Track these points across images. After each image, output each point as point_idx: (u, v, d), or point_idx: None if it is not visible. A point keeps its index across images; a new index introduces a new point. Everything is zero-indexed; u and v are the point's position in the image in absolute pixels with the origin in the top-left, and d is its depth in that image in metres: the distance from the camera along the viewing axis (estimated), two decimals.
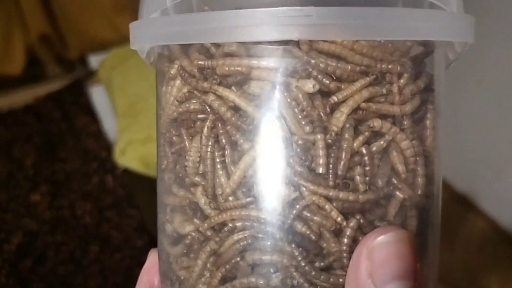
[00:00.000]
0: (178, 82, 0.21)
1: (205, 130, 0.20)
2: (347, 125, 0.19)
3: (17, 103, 1.13)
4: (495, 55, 1.12)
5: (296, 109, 0.19)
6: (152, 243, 0.92)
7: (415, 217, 0.20)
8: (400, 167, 0.19)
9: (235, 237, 0.19)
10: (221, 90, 0.19)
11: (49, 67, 1.47)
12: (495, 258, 1.21)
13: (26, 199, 0.87)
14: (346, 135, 0.19)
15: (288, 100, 0.19)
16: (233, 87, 0.19)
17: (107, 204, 0.88)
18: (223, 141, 0.19)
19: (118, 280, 0.87)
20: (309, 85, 0.18)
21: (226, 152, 0.20)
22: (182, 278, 0.21)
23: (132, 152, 0.84)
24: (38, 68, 1.45)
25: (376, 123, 0.19)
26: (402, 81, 0.19)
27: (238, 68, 0.19)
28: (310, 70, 0.19)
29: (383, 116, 0.19)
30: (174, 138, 0.21)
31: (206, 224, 0.20)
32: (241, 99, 0.19)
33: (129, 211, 0.88)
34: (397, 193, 0.19)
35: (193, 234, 0.21)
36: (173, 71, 0.21)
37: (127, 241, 0.86)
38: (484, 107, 1.24)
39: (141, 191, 0.96)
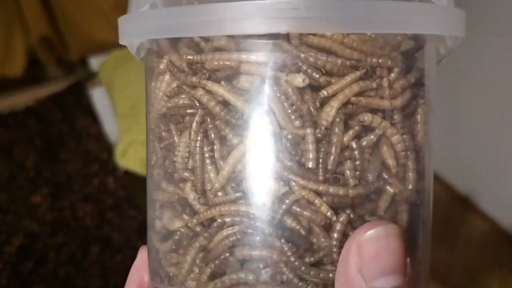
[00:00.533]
0: (167, 77, 0.21)
1: (194, 125, 0.20)
2: (337, 120, 0.19)
3: (17, 104, 1.13)
4: (496, 54, 1.12)
5: (285, 104, 0.19)
6: None
7: (406, 211, 0.20)
8: (391, 162, 0.19)
9: (224, 232, 0.19)
10: (210, 85, 0.19)
11: (49, 68, 1.47)
12: (496, 258, 1.21)
13: (27, 200, 0.88)
14: (336, 130, 0.19)
15: (278, 94, 0.19)
16: (222, 82, 0.19)
17: (108, 205, 0.88)
18: (212, 136, 0.19)
19: (119, 281, 0.87)
20: (299, 80, 0.18)
21: (215, 147, 0.20)
22: (171, 274, 0.21)
23: (133, 154, 0.84)
24: (39, 70, 1.45)
25: (367, 117, 0.19)
26: (392, 75, 0.19)
27: (227, 63, 0.19)
28: (300, 64, 0.18)
29: (373, 111, 0.19)
30: (163, 133, 0.21)
31: (195, 220, 0.20)
32: (230, 93, 0.19)
33: (130, 212, 0.88)
34: (388, 187, 0.19)
35: (182, 230, 0.20)
36: (162, 66, 0.21)
37: (128, 242, 0.86)
38: (484, 108, 1.24)
39: (142, 192, 0.97)
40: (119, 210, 0.88)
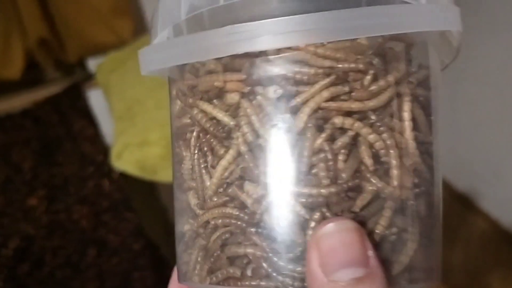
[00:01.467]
0: (178, 101, 0.24)
1: (192, 140, 0.23)
2: (309, 125, 0.20)
3: (15, 107, 1.13)
4: (495, 54, 1.11)
5: (261, 115, 0.20)
6: (149, 246, 0.92)
7: (391, 208, 0.20)
8: (368, 161, 0.20)
9: (217, 233, 0.21)
10: (201, 104, 0.22)
11: (48, 71, 1.47)
12: (496, 257, 1.21)
13: (23, 203, 0.88)
14: (308, 134, 0.20)
15: (254, 107, 0.20)
16: (214, 100, 0.22)
17: (104, 208, 0.88)
18: (205, 148, 0.22)
19: (116, 284, 0.87)
20: (271, 91, 0.20)
21: (207, 159, 0.22)
22: (184, 271, 0.23)
23: (128, 156, 0.83)
24: (37, 72, 1.45)
25: (337, 120, 0.20)
26: (368, 77, 0.20)
27: (215, 83, 0.21)
28: (273, 77, 0.20)
29: (349, 113, 0.20)
30: (176, 149, 0.24)
31: (196, 223, 0.23)
32: (216, 110, 0.21)
33: (125, 215, 0.88)
34: (366, 185, 0.20)
35: (189, 232, 0.23)
36: (174, 92, 0.24)
37: (124, 244, 0.86)
38: (484, 107, 1.24)
39: (137, 194, 0.96)
40: (115, 213, 0.87)
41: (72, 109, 1.05)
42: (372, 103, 0.20)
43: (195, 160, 0.22)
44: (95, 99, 1.18)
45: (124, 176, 0.88)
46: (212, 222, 0.21)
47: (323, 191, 0.19)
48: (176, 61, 0.22)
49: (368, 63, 0.20)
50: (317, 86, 0.20)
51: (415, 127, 0.21)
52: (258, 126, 0.20)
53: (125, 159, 0.84)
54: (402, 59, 0.21)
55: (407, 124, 0.21)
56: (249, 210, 0.20)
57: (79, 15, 1.35)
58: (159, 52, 0.22)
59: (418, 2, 0.20)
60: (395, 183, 0.20)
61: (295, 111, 0.20)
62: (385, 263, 0.19)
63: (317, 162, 0.20)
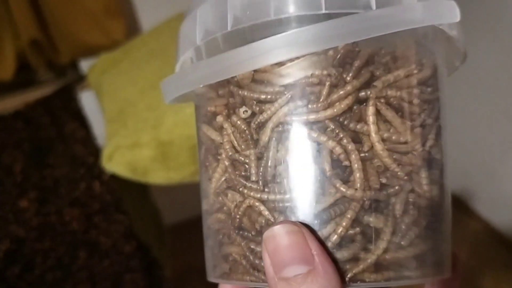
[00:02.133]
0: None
1: (200, 156, 0.27)
2: (273, 139, 0.22)
3: (6, 109, 1.12)
4: (489, 56, 1.12)
5: (235, 132, 0.24)
6: (140, 248, 0.92)
7: (354, 209, 0.21)
8: (326, 166, 0.22)
9: (216, 235, 0.25)
10: (202, 126, 0.26)
11: (40, 72, 1.47)
12: (488, 259, 1.21)
13: (14, 205, 0.87)
14: (271, 147, 0.22)
15: (231, 125, 0.24)
16: (213, 122, 0.25)
17: (95, 210, 0.88)
18: (206, 163, 0.26)
19: (107, 286, 0.87)
20: (241, 112, 0.23)
21: (208, 172, 0.25)
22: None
23: (119, 158, 0.83)
24: (29, 74, 1.45)
25: (294, 132, 0.22)
26: (324, 89, 0.22)
27: (208, 108, 0.25)
28: (244, 99, 0.23)
29: (309, 124, 0.22)
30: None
31: (205, 227, 0.27)
32: (210, 131, 0.25)
33: (116, 216, 0.87)
34: (328, 189, 0.22)
35: (204, 234, 0.27)
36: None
37: (115, 246, 0.85)
38: (477, 109, 1.24)
39: (129, 196, 0.96)
40: (106, 214, 0.87)
41: (64, 111, 1.05)
42: (328, 113, 0.21)
43: (202, 174, 0.26)
44: (87, 100, 1.17)
45: (115, 178, 0.87)
46: (212, 226, 0.25)
47: (286, 196, 0.22)
48: (179, 91, 0.25)
49: (326, 75, 0.22)
50: (276, 104, 0.22)
51: (388, 129, 0.22)
52: (235, 143, 0.23)
53: (116, 161, 0.83)
54: (367, 65, 0.22)
55: (372, 128, 0.21)
56: (232, 215, 0.24)
57: (71, 16, 1.34)
58: (171, 84, 0.25)
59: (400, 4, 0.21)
60: (357, 185, 0.21)
61: (261, 127, 0.23)
62: (347, 261, 0.21)
63: (281, 171, 0.22)
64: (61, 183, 0.89)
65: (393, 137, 0.22)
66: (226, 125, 0.24)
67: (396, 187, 0.22)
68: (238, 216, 0.23)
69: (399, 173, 0.22)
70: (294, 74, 0.22)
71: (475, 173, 1.35)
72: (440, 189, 0.24)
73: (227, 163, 0.24)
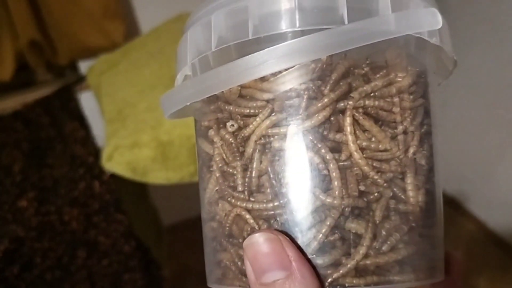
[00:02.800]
0: None
1: (198, 169, 0.28)
2: (257, 150, 0.23)
3: (5, 109, 1.12)
4: (485, 60, 1.13)
5: (223, 145, 0.25)
6: (140, 248, 0.92)
7: (333, 217, 0.22)
8: (306, 176, 0.22)
9: (210, 242, 0.26)
10: (197, 139, 0.27)
11: (39, 73, 1.47)
12: (483, 259, 1.22)
13: (13, 205, 0.87)
14: (255, 159, 0.23)
15: (220, 139, 0.25)
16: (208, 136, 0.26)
17: (94, 209, 0.88)
18: (202, 175, 0.27)
19: (106, 285, 0.87)
20: (228, 126, 0.24)
21: (203, 183, 0.27)
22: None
23: (119, 158, 0.83)
24: (29, 74, 1.45)
25: (277, 143, 0.23)
26: (303, 102, 0.23)
27: (203, 123, 0.27)
28: (231, 114, 0.24)
29: (289, 136, 0.23)
30: None
31: (203, 234, 0.28)
32: (204, 144, 0.26)
33: (116, 216, 0.88)
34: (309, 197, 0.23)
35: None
36: None
37: (115, 246, 0.86)
38: (471, 111, 1.25)
39: (128, 196, 0.96)
40: (105, 214, 0.87)
41: (63, 111, 1.05)
42: (306, 124, 0.23)
43: (199, 185, 0.27)
44: (87, 101, 1.18)
45: (114, 177, 0.88)
46: (207, 234, 0.26)
47: (269, 205, 0.23)
48: (174, 107, 0.26)
49: (304, 88, 0.23)
50: (258, 118, 0.23)
51: (369, 137, 0.23)
52: (224, 155, 0.25)
53: (116, 161, 0.84)
54: (345, 77, 0.23)
55: (349, 137, 0.22)
56: (222, 223, 0.25)
57: (70, 18, 1.35)
58: (168, 100, 0.26)
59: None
60: (336, 193, 0.22)
61: (246, 140, 0.24)
62: (328, 266, 0.22)
63: (264, 181, 0.23)
64: (60, 183, 0.89)
65: (373, 145, 0.23)
66: (216, 139, 0.25)
67: (376, 194, 0.23)
68: (227, 225, 0.25)
69: (378, 180, 0.23)
70: (275, 88, 0.23)
71: (471, 175, 1.36)
72: (426, 194, 0.24)
73: (217, 175, 0.25)
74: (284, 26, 0.22)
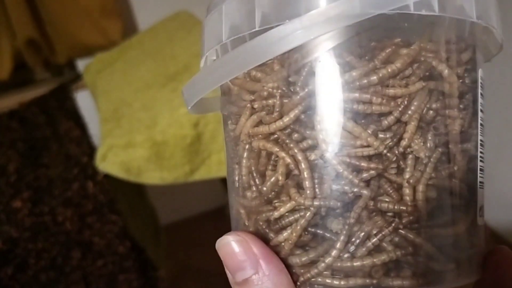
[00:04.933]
0: None
1: None
2: (245, 149, 0.24)
3: (2, 108, 1.12)
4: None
5: (228, 142, 0.26)
6: (134, 249, 0.91)
7: (306, 218, 0.22)
8: (279, 176, 0.23)
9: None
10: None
11: (37, 71, 1.47)
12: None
13: (7, 205, 0.87)
14: (244, 157, 0.24)
15: (225, 136, 0.26)
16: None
17: (88, 210, 0.87)
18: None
19: (101, 286, 0.87)
20: (229, 124, 0.25)
21: None
22: None
23: (113, 158, 0.83)
24: (27, 73, 1.44)
25: (255, 143, 0.23)
26: (277, 101, 0.22)
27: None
28: (230, 113, 0.25)
29: (266, 135, 0.23)
30: None
31: None
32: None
33: (110, 217, 0.87)
34: (283, 197, 0.23)
35: None
36: None
37: (109, 247, 0.85)
38: None
39: (124, 196, 0.96)
40: (99, 215, 0.87)
41: (59, 110, 1.05)
42: (277, 125, 0.22)
43: None
44: (83, 100, 1.17)
45: (108, 178, 0.87)
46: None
47: (253, 203, 0.23)
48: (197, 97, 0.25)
49: (276, 87, 0.22)
50: (242, 118, 0.24)
51: (344, 135, 0.21)
52: (229, 152, 0.26)
53: (110, 161, 0.83)
54: (315, 72, 0.22)
55: (319, 136, 0.21)
56: (231, 220, 0.26)
57: (68, 16, 1.34)
58: (194, 86, 0.25)
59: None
60: (307, 193, 0.21)
61: (238, 138, 0.24)
62: (301, 266, 0.22)
63: (248, 180, 0.24)
64: (54, 183, 0.89)
65: (351, 142, 0.21)
66: (224, 135, 0.27)
67: (350, 194, 0.21)
68: (232, 221, 0.26)
69: (354, 180, 0.21)
70: (254, 88, 0.23)
71: None
72: (429, 191, 0.22)
73: (228, 169, 0.27)
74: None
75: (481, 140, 0.25)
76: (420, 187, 0.21)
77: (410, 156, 0.22)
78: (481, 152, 0.25)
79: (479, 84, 0.24)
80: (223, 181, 1.08)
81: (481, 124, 0.25)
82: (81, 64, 1.38)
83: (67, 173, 0.89)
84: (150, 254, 0.96)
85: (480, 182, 0.25)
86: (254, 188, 0.24)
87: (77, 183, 0.88)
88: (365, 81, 0.21)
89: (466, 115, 0.23)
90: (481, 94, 0.25)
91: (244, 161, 0.24)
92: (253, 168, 0.24)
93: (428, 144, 0.22)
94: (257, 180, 0.23)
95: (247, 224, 0.24)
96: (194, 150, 0.83)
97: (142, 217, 1.10)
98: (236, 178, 0.25)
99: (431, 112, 0.22)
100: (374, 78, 0.21)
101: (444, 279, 0.22)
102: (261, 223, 0.23)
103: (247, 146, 0.24)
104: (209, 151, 0.85)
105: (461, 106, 0.23)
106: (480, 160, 0.25)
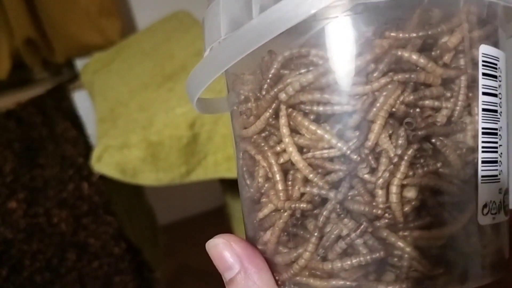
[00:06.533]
0: None
1: None
2: (238, 150, 0.24)
3: (1, 108, 1.11)
4: None
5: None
6: (130, 250, 0.91)
7: (283, 219, 0.22)
8: (258, 178, 0.23)
9: None
10: None
11: (35, 71, 1.46)
12: None
13: (2, 206, 0.86)
14: (239, 158, 0.24)
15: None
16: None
17: (83, 211, 0.87)
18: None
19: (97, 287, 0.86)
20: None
21: None
22: None
23: (108, 158, 0.82)
24: (25, 73, 1.44)
25: (242, 145, 0.23)
26: (252, 104, 0.22)
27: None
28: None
29: (247, 139, 0.23)
30: None
31: None
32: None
33: (105, 218, 0.86)
34: (263, 200, 0.23)
35: None
36: None
37: (105, 248, 0.85)
38: None
39: (120, 196, 0.95)
40: (94, 216, 0.86)
41: (56, 110, 1.04)
42: (251, 129, 0.22)
43: None
44: (81, 100, 1.17)
45: (103, 179, 0.86)
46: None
47: (246, 202, 0.24)
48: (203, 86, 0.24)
49: (249, 90, 0.22)
50: (233, 120, 0.24)
51: (309, 137, 0.21)
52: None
53: (105, 162, 0.82)
54: (283, 70, 0.21)
55: (286, 140, 0.21)
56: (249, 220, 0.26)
57: (66, 15, 1.34)
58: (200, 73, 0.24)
59: None
60: (280, 196, 0.22)
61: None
62: (282, 265, 0.22)
63: (240, 181, 0.24)
64: (50, 184, 0.88)
65: (314, 144, 0.21)
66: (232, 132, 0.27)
67: (316, 198, 0.21)
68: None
69: (319, 183, 0.21)
70: (237, 92, 0.23)
71: None
72: (406, 191, 0.20)
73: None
74: None
75: (486, 128, 0.22)
76: (394, 188, 0.20)
77: (384, 155, 0.20)
78: (487, 142, 0.22)
79: (480, 64, 0.21)
80: (222, 181, 1.07)
81: (487, 110, 0.22)
82: (80, 64, 1.38)
83: (63, 174, 0.88)
84: (148, 255, 0.95)
85: (484, 176, 0.22)
86: (246, 188, 0.24)
87: (72, 184, 0.87)
88: (324, 81, 0.20)
89: (455, 104, 0.21)
90: (483, 74, 0.21)
91: (240, 161, 0.24)
92: (244, 169, 0.24)
93: (400, 141, 0.20)
94: (247, 181, 0.24)
95: (246, 222, 0.24)
96: (190, 151, 0.83)
97: (139, 217, 1.09)
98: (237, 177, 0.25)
99: (402, 107, 0.20)
100: (332, 77, 0.20)
101: (434, 283, 0.21)
102: (254, 222, 0.24)
103: (239, 147, 0.24)
104: (205, 152, 0.84)
105: (447, 94, 0.21)
106: (485, 151, 0.22)
